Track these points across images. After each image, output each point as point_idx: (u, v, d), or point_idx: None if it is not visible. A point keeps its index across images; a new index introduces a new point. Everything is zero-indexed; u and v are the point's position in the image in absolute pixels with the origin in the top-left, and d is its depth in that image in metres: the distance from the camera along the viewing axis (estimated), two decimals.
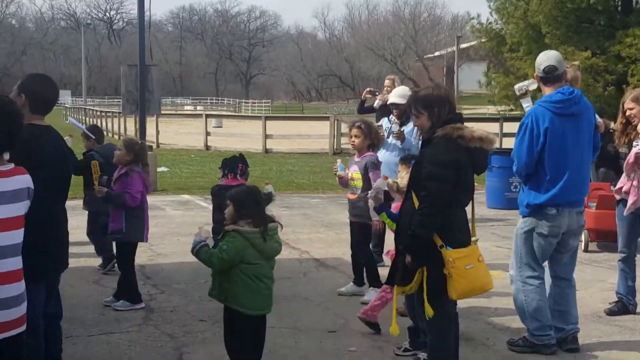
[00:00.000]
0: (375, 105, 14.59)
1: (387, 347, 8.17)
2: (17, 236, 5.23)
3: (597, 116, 8.42)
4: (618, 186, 9.34)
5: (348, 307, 9.83)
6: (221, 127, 52.71)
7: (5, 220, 5.15)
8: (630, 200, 9.14)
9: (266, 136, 36.57)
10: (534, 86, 9.14)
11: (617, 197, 9.43)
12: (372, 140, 10.22)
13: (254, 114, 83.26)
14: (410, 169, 8.89)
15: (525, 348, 8.09)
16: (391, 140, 11.81)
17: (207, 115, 42.02)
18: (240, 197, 6.83)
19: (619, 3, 33.11)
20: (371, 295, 10.02)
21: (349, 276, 10.82)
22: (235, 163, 9.98)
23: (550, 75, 7.99)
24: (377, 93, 15.01)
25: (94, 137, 11.41)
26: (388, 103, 12.19)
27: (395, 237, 7.00)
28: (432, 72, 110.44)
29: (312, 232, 15.21)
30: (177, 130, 44.14)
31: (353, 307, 9.76)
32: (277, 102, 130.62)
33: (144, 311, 9.58)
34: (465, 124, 6.78)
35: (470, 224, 6.84)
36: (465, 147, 6.53)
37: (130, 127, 42.08)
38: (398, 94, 11.80)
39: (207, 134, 39.15)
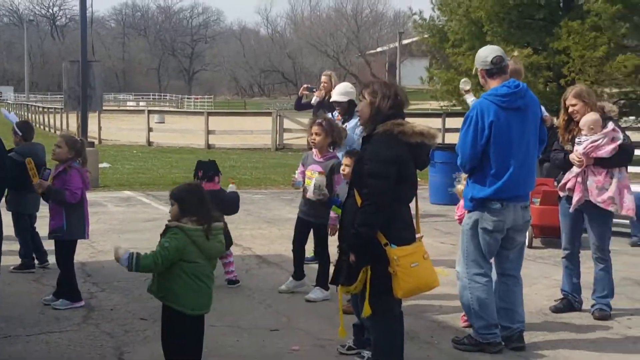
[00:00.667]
0: (312, 101, 14.67)
1: (330, 346, 8.11)
2: None
3: (543, 109, 8.39)
4: (562, 182, 9.34)
5: (290, 304, 9.79)
6: (164, 122, 52.50)
7: None
8: (575, 197, 9.16)
9: (208, 132, 36.42)
10: (468, 86, 9.14)
11: (561, 193, 9.43)
12: (334, 138, 10.03)
13: (196, 109, 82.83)
14: (354, 160, 8.89)
15: (470, 346, 8.03)
16: None
17: (150, 111, 41.73)
18: (183, 196, 6.73)
19: None
20: (317, 294, 9.96)
21: (291, 273, 10.74)
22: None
23: (498, 67, 7.92)
24: (314, 90, 15.14)
25: (20, 134, 11.16)
26: (331, 101, 12.08)
27: (338, 235, 6.91)
28: (374, 68, 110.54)
29: (255, 229, 15.12)
30: (119, 126, 43.70)
31: (296, 305, 9.74)
32: (219, 98, 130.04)
33: (84, 310, 9.41)
34: (408, 119, 6.71)
35: (414, 221, 6.76)
36: (407, 143, 6.42)
37: (72, 123, 41.58)
38: (339, 92, 11.69)
39: (150, 129, 38.88)
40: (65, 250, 9.56)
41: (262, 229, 15.03)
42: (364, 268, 6.44)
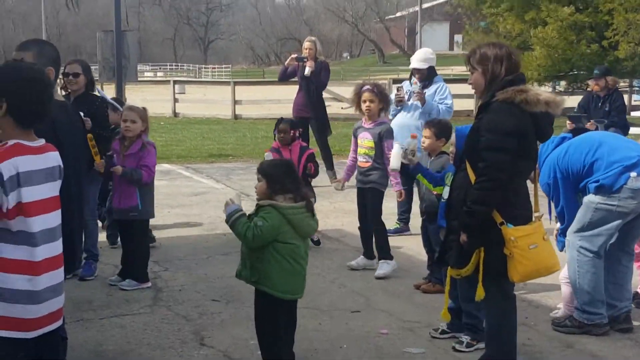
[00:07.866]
0: (306, 73, 14.92)
1: (419, 329, 7.74)
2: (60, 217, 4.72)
3: None
4: None
5: (364, 283, 9.39)
6: (184, 93, 51.88)
7: (52, 199, 4.63)
8: None
9: (235, 102, 35.86)
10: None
11: None
12: (384, 103, 9.78)
13: (214, 79, 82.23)
14: (433, 131, 8.50)
15: (574, 329, 7.49)
16: (411, 102, 11.45)
17: (175, 82, 41.10)
18: (275, 171, 6.32)
19: None
20: (384, 268, 9.57)
21: (356, 249, 10.40)
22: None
23: None
24: (304, 59, 15.03)
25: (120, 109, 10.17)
26: (410, 67, 11.75)
27: (446, 213, 6.44)
28: (393, 33, 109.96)
29: None
30: (144, 98, 43.09)
31: (369, 283, 9.35)
32: (236, 67, 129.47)
33: (152, 290, 9.04)
34: None
35: (532, 198, 6.27)
36: (530, 113, 5.91)
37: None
38: (419, 58, 11.65)
39: (175, 100, 38.31)
40: (143, 230, 9.18)
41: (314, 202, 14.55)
42: (477, 249, 6.00)
